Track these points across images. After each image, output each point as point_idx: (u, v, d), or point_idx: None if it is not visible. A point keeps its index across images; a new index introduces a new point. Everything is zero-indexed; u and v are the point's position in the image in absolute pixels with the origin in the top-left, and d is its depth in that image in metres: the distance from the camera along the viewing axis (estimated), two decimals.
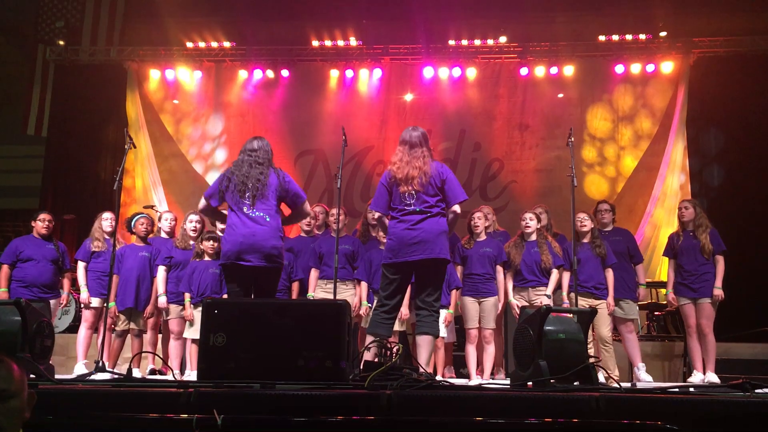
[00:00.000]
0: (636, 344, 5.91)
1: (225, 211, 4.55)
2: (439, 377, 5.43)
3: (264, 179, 4.35)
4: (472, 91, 10.37)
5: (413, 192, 4.23)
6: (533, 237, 5.85)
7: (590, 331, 5.59)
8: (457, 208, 4.29)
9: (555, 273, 5.73)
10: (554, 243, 5.89)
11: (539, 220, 6.01)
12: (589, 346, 5.53)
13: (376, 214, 4.51)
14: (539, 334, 3.54)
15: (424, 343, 4.20)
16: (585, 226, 5.90)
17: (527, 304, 5.68)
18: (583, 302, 5.68)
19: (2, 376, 1.95)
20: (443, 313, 5.68)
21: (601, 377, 4.69)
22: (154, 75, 10.78)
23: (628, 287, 5.98)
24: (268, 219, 4.32)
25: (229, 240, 4.31)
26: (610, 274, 5.81)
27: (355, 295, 5.89)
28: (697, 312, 5.73)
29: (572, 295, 5.39)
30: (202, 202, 4.52)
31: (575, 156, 5.60)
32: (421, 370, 3.84)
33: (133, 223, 6.27)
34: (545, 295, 5.65)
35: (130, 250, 6.15)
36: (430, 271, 4.25)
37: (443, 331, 5.72)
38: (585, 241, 5.89)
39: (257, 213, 4.30)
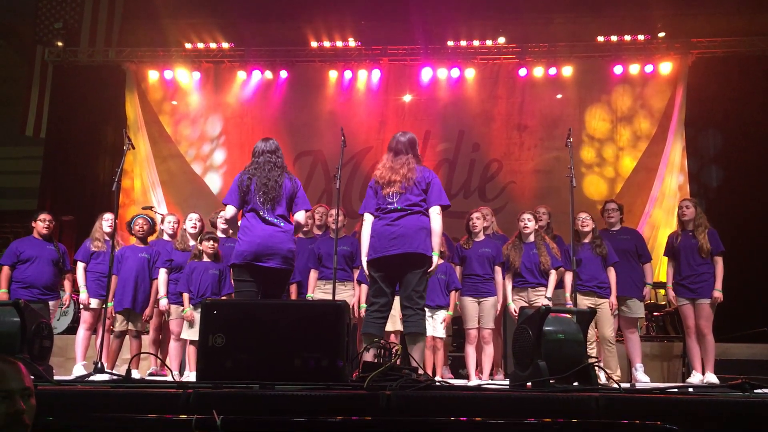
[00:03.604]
0: (637, 344, 5.91)
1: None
2: (438, 378, 5.42)
3: (281, 183, 4.39)
4: (471, 92, 10.37)
5: (396, 192, 4.24)
6: (531, 238, 5.84)
7: (593, 331, 5.61)
8: (436, 209, 4.22)
9: (554, 274, 5.71)
10: (552, 244, 5.87)
11: (537, 221, 6.00)
12: (592, 345, 5.56)
13: (366, 217, 4.40)
14: (538, 334, 3.53)
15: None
16: (587, 225, 5.90)
17: (526, 304, 5.65)
18: (587, 301, 5.68)
19: (17, 377, 2.02)
20: (442, 314, 5.69)
21: (603, 377, 4.69)
22: (152, 76, 10.77)
23: (635, 286, 5.98)
24: (283, 224, 4.36)
25: (245, 240, 4.30)
26: (612, 273, 5.81)
27: (353, 296, 5.89)
28: (696, 313, 5.73)
29: (575, 295, 5.39)
30: (231, 210, 4.42)
31: (574, 157, 5.61)
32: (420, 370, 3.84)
33: (131, 225, 6.29)
34: (545, 297, 5.64)
35: (130, 252, 6.16)
36: (411, 267, 4.16)
37: (442, 332, 5.73)
38: (585, 241, 5.89)
39: (275, 217, 4.34)
